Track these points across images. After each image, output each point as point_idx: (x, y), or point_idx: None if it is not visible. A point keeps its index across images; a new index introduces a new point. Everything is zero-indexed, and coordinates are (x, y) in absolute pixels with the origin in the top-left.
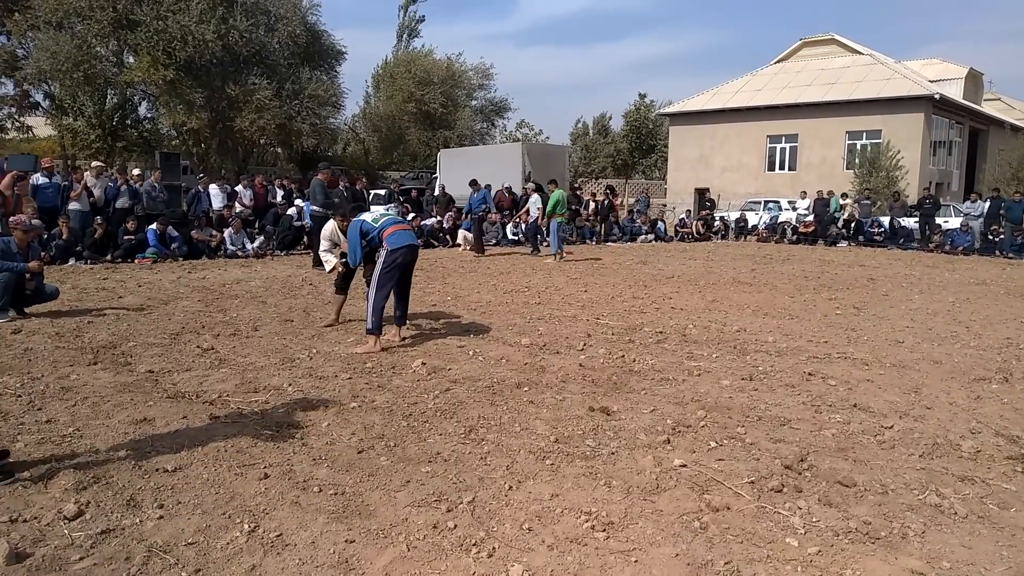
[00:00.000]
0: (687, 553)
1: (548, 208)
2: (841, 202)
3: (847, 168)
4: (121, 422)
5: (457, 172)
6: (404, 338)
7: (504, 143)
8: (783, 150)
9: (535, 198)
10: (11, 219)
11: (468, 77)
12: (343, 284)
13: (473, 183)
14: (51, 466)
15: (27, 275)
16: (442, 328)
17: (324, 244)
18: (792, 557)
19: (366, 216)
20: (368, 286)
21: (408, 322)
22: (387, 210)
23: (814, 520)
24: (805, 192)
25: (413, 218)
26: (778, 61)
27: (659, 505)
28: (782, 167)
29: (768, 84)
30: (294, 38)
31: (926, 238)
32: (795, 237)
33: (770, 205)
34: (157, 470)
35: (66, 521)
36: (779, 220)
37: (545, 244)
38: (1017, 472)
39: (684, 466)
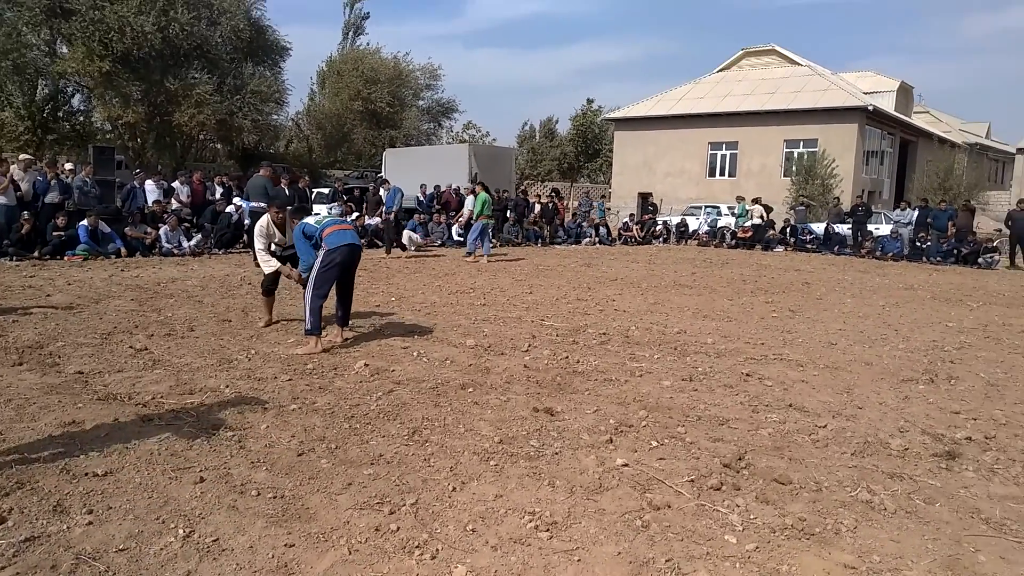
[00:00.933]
0: (629, 551)
1: (476, 210)
2: (748, 207)
3: (784, 175)
4: (48, 425)
5: (403, 172)
6: (346, 339)
7: (451, 144)
8: (724, 156)
9: (470, 199)
10: None
11: (415, 77)
12: (270, 287)
13: (383, 182)
14: None
15: None
16: (385, 329)
17: (259, 243)
18: (731, 554)
19: (308, 219)
20: (304, 287)
21: (351, 323)
22: (329, 210)
23: (752, 517)
24: (742, 197)
25: (357, 217)
26: (721, 70)
27: (602, 504)
28: (722, 173)
29: (710, 92)
30: (237, 32)
31: (858, 244)
32: (733, 242)
33: (710, 210)
34: (86, 474)
35: None
36: (718, 225)
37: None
38: (942, 469)
39: (626, 465)
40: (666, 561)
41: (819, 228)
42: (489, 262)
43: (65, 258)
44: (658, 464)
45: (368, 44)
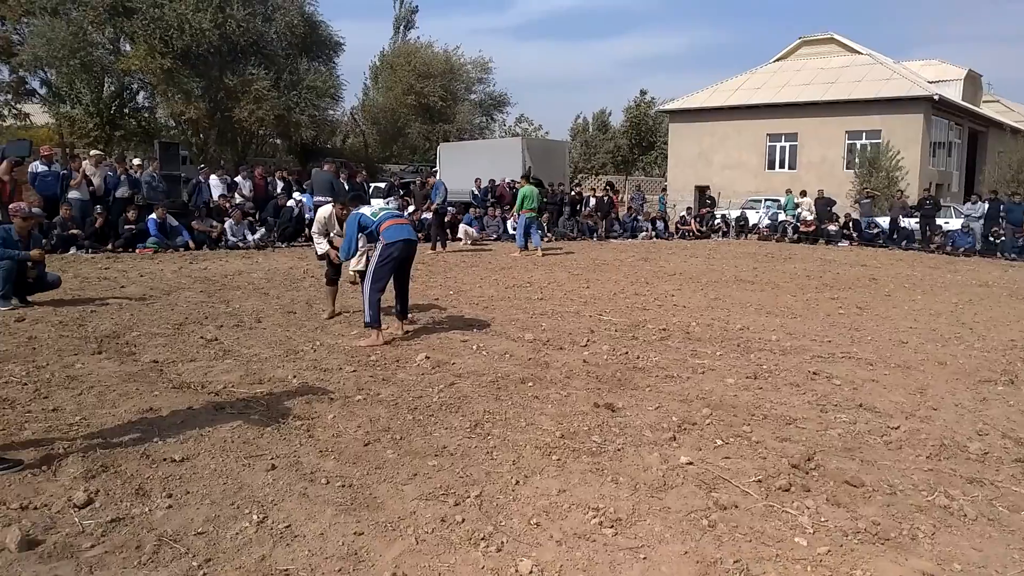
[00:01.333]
0: (696, 551)
1: (517, 204)
2: (797, 200)
3: (847, 168)
4: (127, 411)
5: (457, 166)
6: (407, 331)
7: (504, 138)
8: (783, 148)
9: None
10: (10, 206)
11: (467, 70)
12: (333, 276)
13: (428, 176)
14: (59, 455)
15: (29, 263)
16: (445, 322)
17: (316, 227)
18: (801, 556)
19: (365, 210)
20: (362, 280)
21: (410, 315)
22: (386, 204)
23: (823, 520)
24: (805, 191)
25: (412, 212)
26: (777, 59)
27: (667, 502)
28: (782, 166)
29: (768, 82)
30: (292, 28)
31: (927, 239)
32: (796, 236)
33: (770, 204)
34: (165, 460)
35: (76, 509)
36: (779, 219)
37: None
38: None
39: (691, 464)
40: (734, 562)
41: (885, 222)
42: (541, 255)
43: (136, 251)
44: (724, 463)
45: (418, 38)
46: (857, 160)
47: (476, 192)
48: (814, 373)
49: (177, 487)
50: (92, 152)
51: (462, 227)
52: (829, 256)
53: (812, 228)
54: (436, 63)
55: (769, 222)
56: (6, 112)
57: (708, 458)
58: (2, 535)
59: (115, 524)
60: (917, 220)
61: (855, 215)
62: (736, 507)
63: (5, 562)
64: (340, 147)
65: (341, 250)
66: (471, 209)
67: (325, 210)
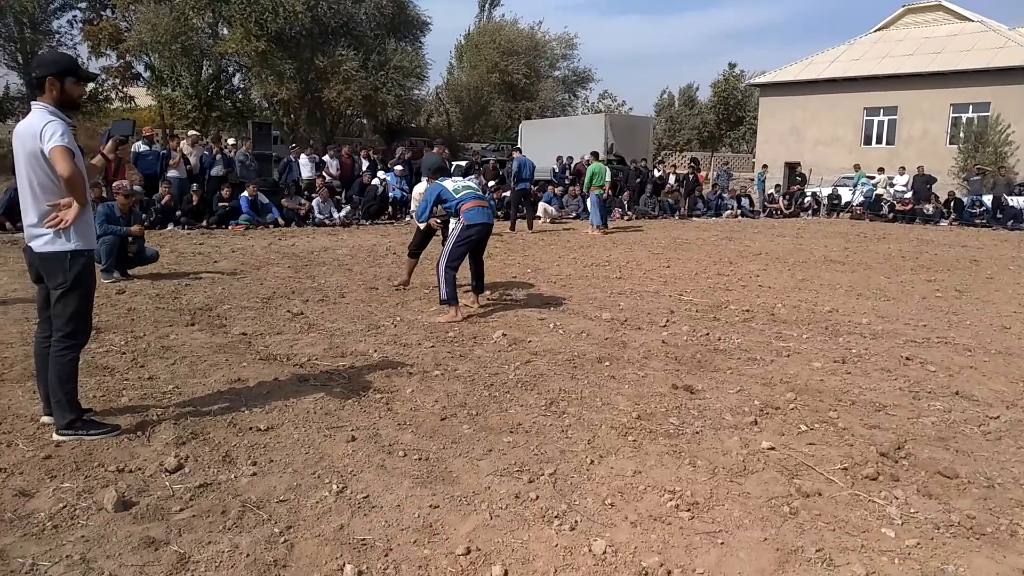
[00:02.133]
0: (776, 538)
1: (586, 181)
2: (868, 177)
3: (950, 143)
4: (217, 381)
5: (539, 143)
6: (482, 306)
7: (586, 114)
8: (880, 123)
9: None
10: (114, 184)
11: (551, 47)
12: (416, 250)
13: (517, 149)
14: (153, 421)
15: (129, 238)
16: (522, 300)
17: (414, 204)
18: (888, 548)
19: (447, 183)
20: (440, 257)
21: (487, 292)
22: (468, 182)
23: (912, 511)
24: (904, 168)
25: (495, 189)
26: (878, 29)
27: (746, 487)
28: (879, 141)
29: (867, 53)
30: (380, 9)
31: None
32: (891, 215)
33: (864, 180)
34: (251, 428)
35: (167, 473)
36: (874, 196)
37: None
38: None
39: (772, 449)
40: (816, 551)
41: (989, 200)
42: (604, 233)
43: (229, 227)
44: (807, 449)
45: (504, 16)
46: (962, 135)
47: (556, 170)
48: (907, 358)
49: (261, 455)
50: (189, 132)
51: (541, 205)
52: (927, 236)
53: (909, 207)
54: (520, 40)
55: (863, 199)
56: (113, 95)
57: (791, 444)
58: (100, 496)
59: (203, 489)
60: None
61: (958, 193)
62: (819, 495)
63: (102, 521)
64: (424, 126)
65: (416, 213)
66: (550, 187)
67: (421, 187)
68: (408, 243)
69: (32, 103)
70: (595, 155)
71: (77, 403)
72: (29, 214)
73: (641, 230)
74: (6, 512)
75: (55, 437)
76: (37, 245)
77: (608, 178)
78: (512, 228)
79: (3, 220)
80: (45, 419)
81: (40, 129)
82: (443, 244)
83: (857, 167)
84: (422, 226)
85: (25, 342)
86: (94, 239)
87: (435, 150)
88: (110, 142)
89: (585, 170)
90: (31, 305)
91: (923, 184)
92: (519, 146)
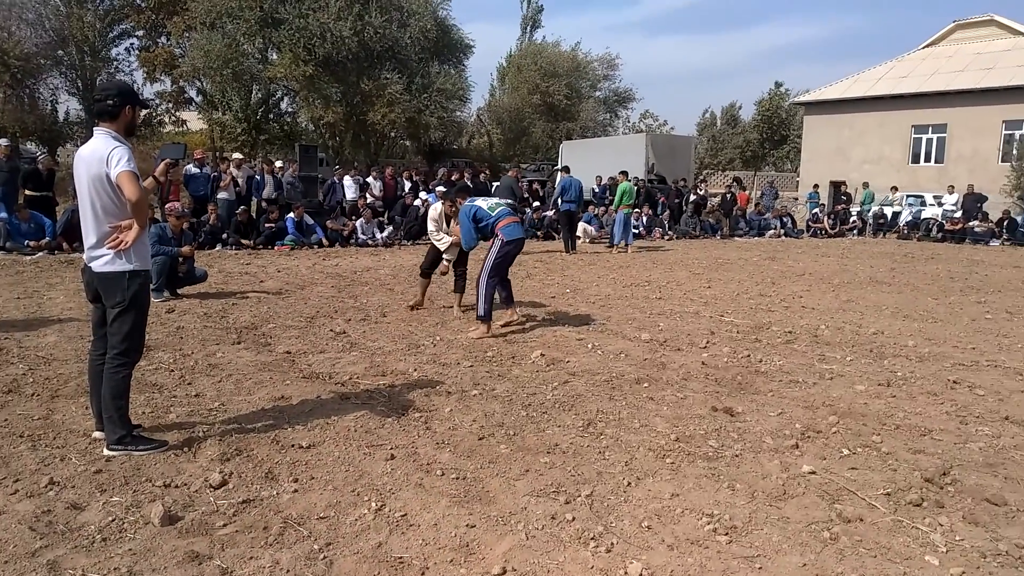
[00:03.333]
0: (815, 564)
1: (616, 200)
2: (891, 196)
3: (1002, 160)
4: (261, 399)
5: (579, 163)
6: (520, 323)
7: (627, 134)
8: (929, 141)
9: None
10: (166, 206)
11: (593, 68)
12: (428, 269)
13: (565, 169)
14: (199, 438)
15: (180, 259)
16: (561, 320)
17: (431, 226)
18: None
19: (481, 203)
20: (480, 274)
21: (527, 313)
22: (499, 199)
23: (957, 539)
24: (953, 187)
25: (536, 208)
26: (927, 46)
27: (786, 512)
28: (927, 159)
29: (915, 70)
30: (425, 33)
31: None
32: (940, 235)
33: (912, 200)
34: (293, 446)
35: (212, 489)
36: (923, 216)
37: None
38: None
39: (813, 473)
40: None
41: None
42: (620, 252)
43: (275, 248)
44: (849, 474)
45: (544, 38)
46: (1015, 152)
47: (596, 189)
48: (955, 382)
49: (303, 472)
50: (234, 155)
51: (582, 225)
52: (977, 256)
53: (958, 226)
54: (562, 62)
55: (911, 219)
56: (166, 119)
57: (833, 468)
58: (147, 510)
59: (246, 505)
60: None
61: (1012, 212)
62: (861, 520)
63: (149, 535)
64: (466, 147)
65: (463, 241)
66: (590, 207)
67: (437, 208)
68: (420, 264)
69: (95, 128)
70: (624, 174)
71: (128, 419)
72: (90, 235)
73: (669, 250)
74: (59, 524)
75: (106, 452)
76: (97, 265)
77: (633, 199)
78: (569, 249)
79: (61, 241)
80: (97, 434)
81: (107, 154)
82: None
83: (866, 184)
84: (450, 254)
85: (79, 359)
86: (149, 260)
87: (510, 173)
88: (161, 165)
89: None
90: (85, 324)
91: (973, 203)
92: (566, 165)
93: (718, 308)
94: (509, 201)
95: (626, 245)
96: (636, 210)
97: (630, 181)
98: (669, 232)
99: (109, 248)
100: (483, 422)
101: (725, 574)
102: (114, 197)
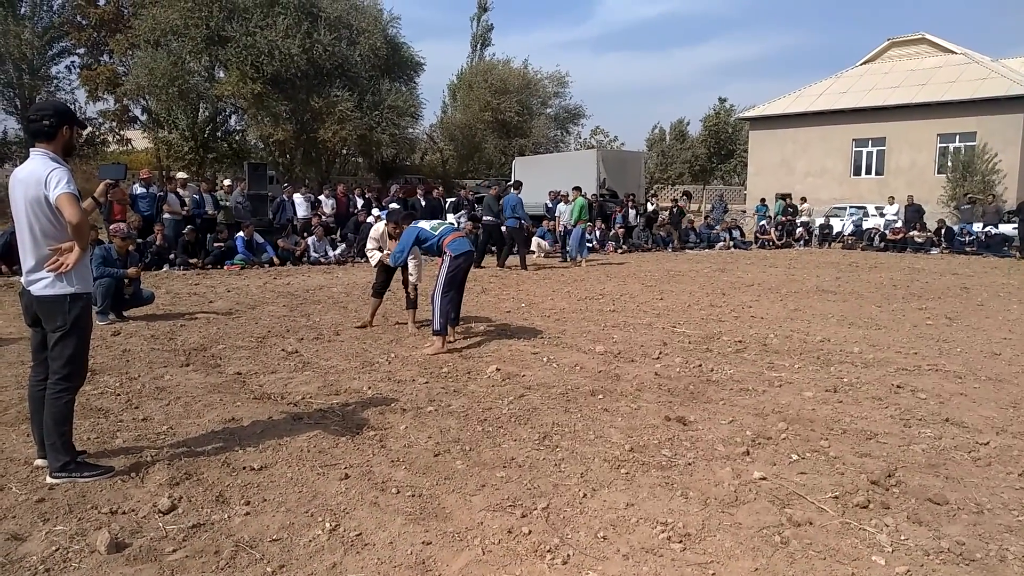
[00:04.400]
0: (767, 568)
1: (574, 215)
2: (800, 207)
3: (938, 172)
4: (211, 421)
5: (532, 179)
6: (474, 339)
7: (578, 150)
8: (870, 154)
9: (564, 208)
10: (111, 227)
11: (543, 85)
12: (381, 289)
13: (516, 184)
14: (147, 462)
15: (126, 281)
16: (516, 334)
17: (370, 244)
18: None
19: (424, 224)
20: (435, 290)
21: (482, 328)
22: (458, 220)
23: (902, 538)
24: (893, 197)
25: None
26: (864, 62)
27: (738, 518)
28: (868, 171)
29: (854, 86)
30: (375, 51)
31: None
32: (882, 244)
33: (855, 211)
34: (244, 468)
35: (160, 514)
36: (865, 226)
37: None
38: None
39: (764, 479)
40: None
41: (979, 228)
42: (585, 267)
43: (225, 267)
44: (799, 479)
45: (494, 55)
46: (950, 164)
47: (550, 204)
48: (898, 386)
49: (255, 495)
50: (177, 175)
51: (535, 240)
52: (918, 265)
53: (900, 236)
54: (512, 79)
55: (853, 230)
56: (110, 138)
57: (783, 473)
58: (93, 538)
59: (196, 530)
60: (1015, 226)
61: (948, 221)
62: (811, 524)
63: (95, 564)
64: (419, 164)
65: (392, 255)
66: (544, 222)
67: (379, 227)
68: (372, 283)
69: (32, 149)
70: (578, 190)
71: (72, 446)
72: (28, 258)
73: (623, 263)
74: None
75: (48, 480)
76: (37, 289)
77: (584, 214)
78: (500, 264)
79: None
80: (39, 462)
81: (46, 176)
82: (404, 284)
83: (778, 196)
84: (384, 262)
85: (20, 385)
86: (91, 282)
87: (492, 191)
88: (101, 185)
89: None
90: (26, 348)
91: (914, 213)
92: (518, 181)
93: (670, 319)
94: (449, 222)
95: (581, 259)
96: (589, 224)
97: (585, 196)
98: (623, 246)
99: (49, 271)
100: (439, 438)
101: None
102: (53, 219)
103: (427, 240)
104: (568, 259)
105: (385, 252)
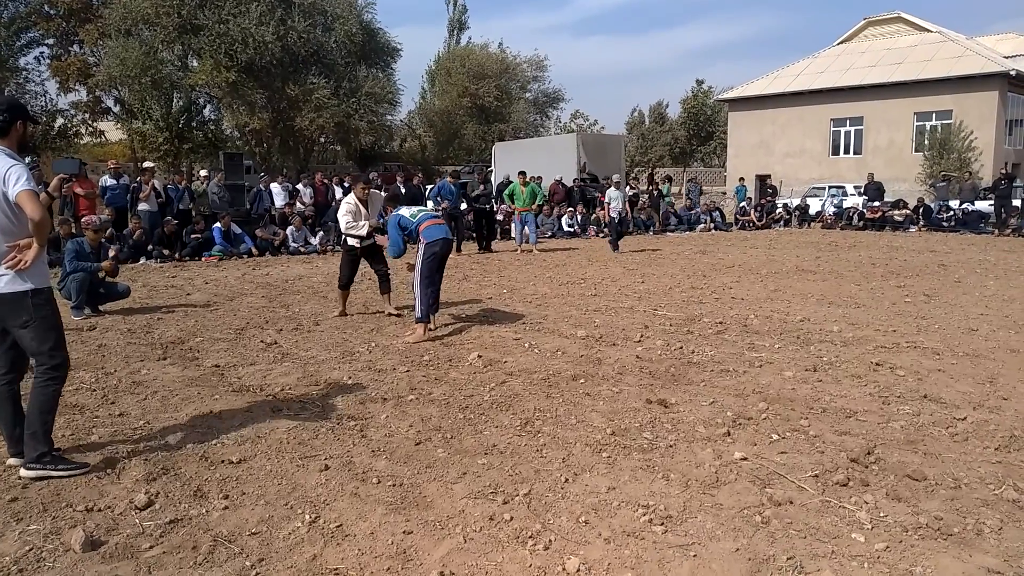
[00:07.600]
0: (748, 548)
1: (528, 201)
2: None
3: (916, 151)
4: (188, 415)
5: (512, 165)
6: (455, 326)
7: (558, 134)
8: (848, 133)
9: (615, 194)
10: (83, 219)
11: (522, 70)
12: (347, 282)
13: (454, 174)
14: (123, 458)
15: (100, 274)
16: (498, 320)
17: (349, 219)
18: (858, 553)
19: (404, 211)
20: (415, 278)
21: (464, 314)
22: (422, 207)
23: (882, 515)
24: (873, 175)
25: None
26: (841, 42)
27: (719, 499)
28: (847, 151)
29: (831, 66)
30: (350, 37)
31: (1002, 221)
32: (861, 223)
33: (834, 191)
34: (223, 462)
35: (137, 511)
36: (844, 206)
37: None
38: None
39: (745, 459)
40: (788, 559)
41: (956, 205)
42: (524, 252)
43: (202, 259)
44: (779, 458)
45: (471, 40)
46: (927, 142)
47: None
48: (877, 364)
49: (233, 488)
50: (145, 165)
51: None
52: (896, 243)
53: (878, 214)
54: (490, 64)
55: (833, 210)
56: (83, 130)
57: (763, 453)
58: (67, 536)
59: (173, 525)
60: (991, 203)
61: (927, 199)
62: (791, 503)
63: (70, 562)
64: (398, 151)
65: (389, 251)
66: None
67: (350, 199)
68: (338, 276)
69: None
70: (523, 175)
71: (51, 438)
72: None
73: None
74: None
75: (23, 473)
76: None
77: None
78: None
79: None
80: (12, 461)
81: (4, 173)
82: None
83: (742, 179)
84: (400, 260)
85: None
86: (48, 276)
87: (448, 179)
88: (55, 180)
89: (561, 190)
90: None
91: (875, 190)
92: (455, 171)
93: (652, 302)
94: (427, 208)
95: (531, 245)
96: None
97: (532, 181)
98: (604, 230)
99: (7, 268)
100: (420, 427)
101: (661, 564)
102: (11, 216)
103: (407, 228)
104: (519, 245)
105: (364, 221)
